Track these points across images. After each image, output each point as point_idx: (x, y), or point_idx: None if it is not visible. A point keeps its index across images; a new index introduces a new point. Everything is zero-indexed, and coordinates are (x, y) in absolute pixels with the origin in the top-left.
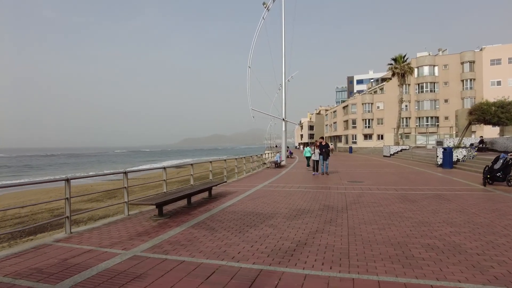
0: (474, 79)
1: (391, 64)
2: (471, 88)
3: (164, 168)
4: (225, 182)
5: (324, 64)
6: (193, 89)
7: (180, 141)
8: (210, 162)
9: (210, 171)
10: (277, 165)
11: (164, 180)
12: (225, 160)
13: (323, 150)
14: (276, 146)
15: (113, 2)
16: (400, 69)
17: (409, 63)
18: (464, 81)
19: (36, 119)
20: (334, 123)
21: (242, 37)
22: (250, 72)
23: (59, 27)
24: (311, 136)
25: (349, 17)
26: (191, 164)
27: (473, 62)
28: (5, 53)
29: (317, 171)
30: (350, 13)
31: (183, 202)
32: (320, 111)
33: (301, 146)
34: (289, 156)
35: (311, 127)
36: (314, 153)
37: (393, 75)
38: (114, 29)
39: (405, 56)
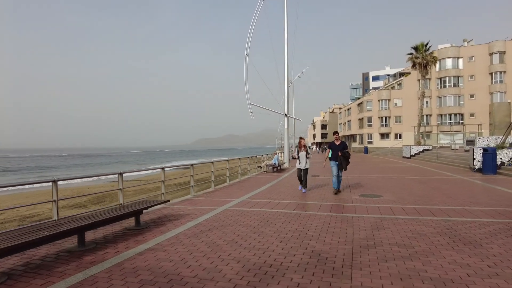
0: (504, 72)
1: (411, 53)
2: (501, 81)
3: (163, 169)
4: (167, 201)
5: (338, 60)
6: (206, 90)
7: (193, 142)
8: (191, 165)
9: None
10: (276, 168)
11: (120, 189)
12: (212, 162)
13: (340, 154)
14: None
15: (130, 6)
16: (422, 58)
17: (432, 52)
18: (493, 74)
19: (54, 120)
20: (348, 121)
21: (257, 37)
22: (249, 61)
23: (81, 31)
24: (324, 135)
25: (364, 10)
26: (162, 170)
27: (503, 52)
28: (33, 54)
29: (304, 186)
30: (365, 5)
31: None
32: (333, 109)
33: (314, 146)
34: (297, 157)
35: (324, 126)
36: (299, 158)
37: (413, 66)
38: (131, 32)
39: (427, 44)
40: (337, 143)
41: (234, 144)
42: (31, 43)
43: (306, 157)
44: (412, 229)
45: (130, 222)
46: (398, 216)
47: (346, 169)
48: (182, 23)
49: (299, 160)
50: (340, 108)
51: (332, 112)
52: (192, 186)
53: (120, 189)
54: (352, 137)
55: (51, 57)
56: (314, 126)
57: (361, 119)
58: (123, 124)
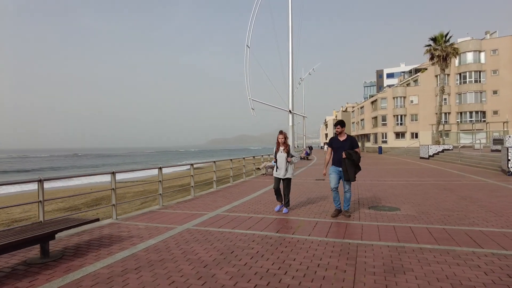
0: None
1: (429, 45)
2: None
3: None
4: (96, 220)
5: (351, 57)
6: (220, 90)
7: (207, 142)
8: (160, 168)
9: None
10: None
11: (39, 201)
12: (192, 165)
13: (344, 156)
14: (298, 146)
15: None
16: (442, 50)
17: (452, 43)
18: None
19: (72, 120)
20: (361, 120)
21: (262, 30)
22: (251, 55)
23: (101, 35)
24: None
25: (380, 5)
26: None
27: None
28: (56, 56)
29: (286, 205)
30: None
31: None
32: (346, 108)
33: (325, 146)
34: (306, 158)
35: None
36: (276, 162)
37: (431, 59)
38: (148, 36)
39: (447, 34)
40: (341, 138)
41: (247, 144)
42: (53, 46)
43: (287, 161)
44: (450, 274)
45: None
46: (424, 245)
47: (353, 179)
48: (197, 26)
49: (276, 166)
50: (353, 107)
51: (345, 111)
52: (160, 194)
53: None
54: (366, 136)
55: (70, 59)
56: (326, 125)
57: (375, 118)
58: (140, 125)
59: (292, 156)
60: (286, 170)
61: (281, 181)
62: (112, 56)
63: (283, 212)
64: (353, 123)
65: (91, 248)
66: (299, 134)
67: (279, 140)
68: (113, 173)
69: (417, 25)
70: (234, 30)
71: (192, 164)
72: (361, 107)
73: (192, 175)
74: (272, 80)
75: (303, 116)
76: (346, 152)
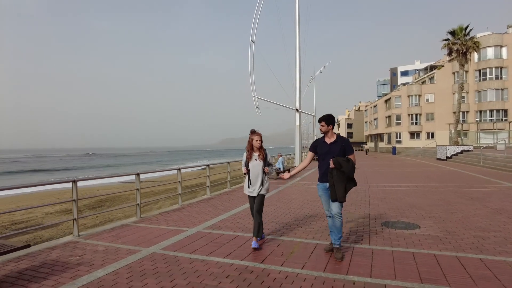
0: None
1: (447, 39)
2: None
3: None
4: (26, 246)
5: (364, 56)
6: (231, 90)
7: (219, 142)
8: (137, 174)
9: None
10: (279, 173)
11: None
12: (179, 169)
13: (333, 165)
14: (307, 147)
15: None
16: (461, 44)
17: (473, 37)
18: None
19: (85, 120)
20: (374, 119)
21: (268, 26)
22: (256, 50)
23: (111, 36)
24: (349, 135)
25: (393, 1)
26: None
27: None
28: (71, 58)
29: (257, 234)
30: None
31: None
32: (359, 107)
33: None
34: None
35: (349, 125)
36: (248, 174)
37: (449, 54)
38: (160, 37)
39: (467, 27)
40: (329, 140)
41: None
42: (57, 48)
43: (264, 173)
44: None
45: None
46: None
47: (343, 199)
48: (206, 25)
49: (248, 180)
50: (366, 106)
51: (358, 110)
52: (138, 204)
53: (138, 189)
54: (379, 136)
55: (73, 60)
56: (338, 125)
57: (389, 117)
58: (155, 125)
59: (269, 165)
60: (262, 184)
61: (253, 200)
62: (122, 56)
63: (253, 246)
64: (366, 122)
65: (18, 283)
66: (310, 134)
67: (254, 144)
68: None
69: (433, 22)
70: (245, 30)
71: (179, 169)
72: (374, 106)
73: (179, 181)
74: (280, 79)
75: (313, 115)
76: (334, 160)
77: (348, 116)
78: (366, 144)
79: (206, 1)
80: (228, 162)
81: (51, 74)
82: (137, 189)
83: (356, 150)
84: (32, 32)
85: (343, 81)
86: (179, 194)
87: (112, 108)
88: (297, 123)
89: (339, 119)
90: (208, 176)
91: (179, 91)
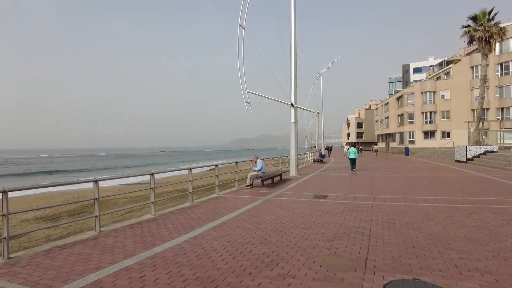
0: None
1: (468, 26)
2: None
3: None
4: None
5: (375, 53)
6: (240, 90)
7: (230, 142)
8: (96, 181)
9: None
10: (269, 180)
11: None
12: (152, 174)
13: None
14: (315, 147)
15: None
16: (484, 30)
17: (498, 23)
18: None
19: (101, 120)
20: (385, 118)
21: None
22: (246, 37)
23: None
24: (359, 134)
25: None
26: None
27: None
28: (87, 60)
29: None
30: None
31: None
32: (370, 106)
33: (346, 147)
34: (319, 161)
35: (359, 125)
36: None
37: (470, 42)
38: (174, 37)
39: (491, 11)
40: None
41: (269, 144)
42: (84, 54)
43: None
44: None
45: None
46: None
47: None
48: (218, 28)
49: None
50: (377, 104)
51: (369, 109)
52: (96, 216)
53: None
54: (391, 136)
55: (102, 63)
56: (348, 124)
57: (401, 115)
58: (165, 126)
59: None
60: None
61: None
62: (130, 57)
63: None
64: (376, 121)
65: None
66: (317, 133)
67: None
68: (152, 174)
69: (447, 16)
70: (255, 21)
71: (152, 174)
72: (386, 104)
73: (152, 188)
74: (275, 72)
75: (309, 111)
76: None
77: (359, 115)
78: (377, 144)
79: (221, 3)
80: (217, 165)
81: (65, 73)
82: (95, 198)
83: (366, 150)
84: (46, 32)
85: (354, 80)
86: (152, 202)
87: (123, 108)
88: (293, 120)
89: (349, 118)
90: (190, 181)
91: (189, 93)
